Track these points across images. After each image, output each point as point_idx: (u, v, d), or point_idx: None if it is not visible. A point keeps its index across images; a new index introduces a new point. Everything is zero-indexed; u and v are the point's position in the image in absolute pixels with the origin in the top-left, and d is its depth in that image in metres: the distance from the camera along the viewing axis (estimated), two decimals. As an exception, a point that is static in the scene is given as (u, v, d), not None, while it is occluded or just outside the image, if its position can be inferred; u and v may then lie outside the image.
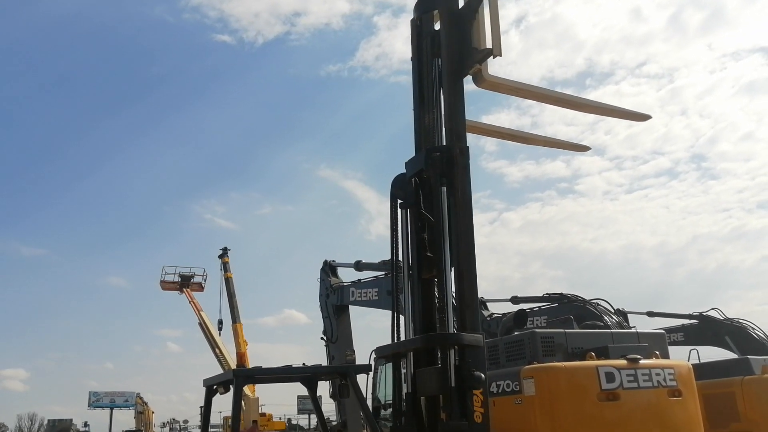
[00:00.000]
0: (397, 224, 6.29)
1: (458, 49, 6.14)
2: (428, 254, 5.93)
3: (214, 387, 5.46)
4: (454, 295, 5.70)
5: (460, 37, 6.17)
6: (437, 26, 6.47)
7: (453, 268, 5.73)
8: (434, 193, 5.89)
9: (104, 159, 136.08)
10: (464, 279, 5.72)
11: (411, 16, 6.72)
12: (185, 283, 36.62)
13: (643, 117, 7.80)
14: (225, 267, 33.53)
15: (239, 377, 5.11)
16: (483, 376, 5.40)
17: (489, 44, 5.97)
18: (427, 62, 6.42)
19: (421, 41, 6.56)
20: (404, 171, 6.36)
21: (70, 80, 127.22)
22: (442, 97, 6.29)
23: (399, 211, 6.30)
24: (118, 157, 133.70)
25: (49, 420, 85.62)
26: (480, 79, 6.14)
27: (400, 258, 6.17)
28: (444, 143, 6.19)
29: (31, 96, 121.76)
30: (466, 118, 6.17)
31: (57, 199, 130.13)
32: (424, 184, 6.05)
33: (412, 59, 6.65)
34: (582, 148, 8.56)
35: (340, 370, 5.80)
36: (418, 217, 6.08)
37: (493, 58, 5.99)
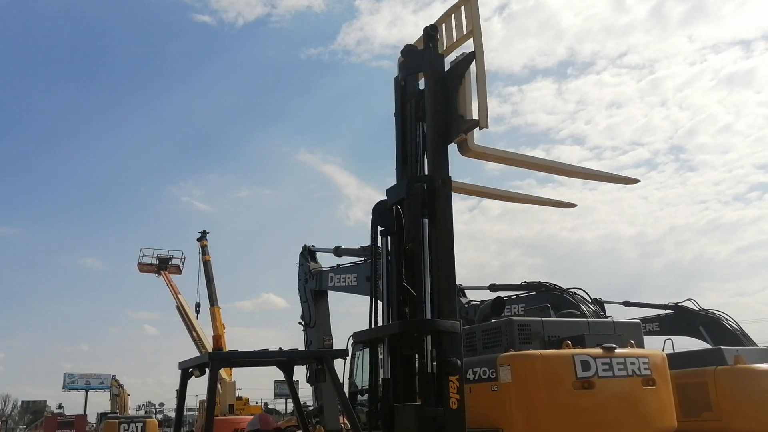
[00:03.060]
0: (377, 250, 6.26)
1: (443, 115, 5.98)
2: (405, 284, 5.89)
3: (190, 370, 5.42)
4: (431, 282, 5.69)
5: (446, 102, 6.00)
6: (422, 85, 6.29)
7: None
8: (415, 224, 5.80)
9: (80, 139, 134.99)
10: (442, 268, 5.69)
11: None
12: (163, 265, 36.40)
13: (631, 181, 7.91)
14: (203, 250, 33.36)
15: (215, 360, 5.08)
16: (459, 362, 5.42)
17: (475, 115, 5.81)
18: (411, 125, 6.24)
19: (405, 102, 6.39)
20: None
21: (46, 56, 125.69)
22: (426, 158, 6.18)
23: (380, 237, 6.26)
24: (95, 137, 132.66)
25: (23, 401, 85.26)
26: (465, 149, 5.99)
27: (379, 285, 6.18)
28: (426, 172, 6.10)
29: (6, 75, 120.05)
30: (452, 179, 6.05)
31: (31, 178, 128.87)
32: (405, 213, 5.96)
33: (395, 115, 6.48)
34: (568, 205, 8.71)
35: (317, 354, 5.79)
36: (398, 246, 6.04)
37: (479, 129, 5.82)
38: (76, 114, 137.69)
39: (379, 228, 6.21)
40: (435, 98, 5.99)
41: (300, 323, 13.96)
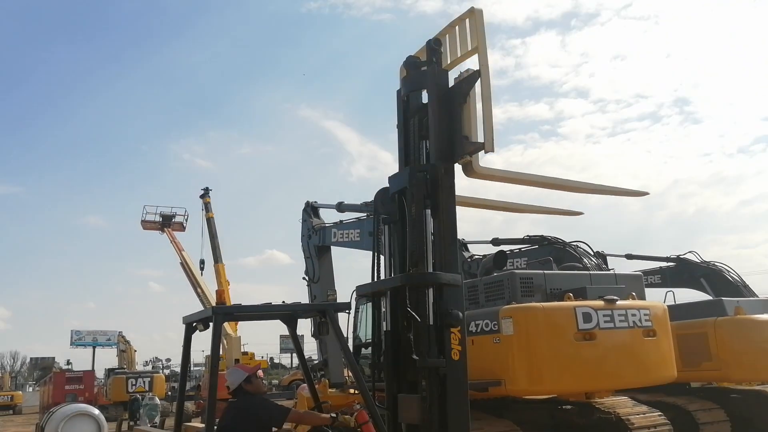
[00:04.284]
0: (380, 249, 6.23)
1: (447, 135, 5.79)
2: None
3: (194, 324, 5.46)
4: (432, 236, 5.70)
5: (450, 121, 5.81)
6: (425, 98, 6.09)
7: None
8: (417, 213, 5.70)
9: (79, 97, 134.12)
10: (443, 222, 5.68)
11: None
12: (166, 222, 36.41)
13: (641, 194, 7.88)
14: (206, 207, 33.36)
15: (219, 314, 5.11)
16: (461, 314, 5.45)
17: (480, 137, 5.63)
18: (415, 144, 6.06)
19: (407, 118, 6.21)
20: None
21: (44, 12, 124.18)
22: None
23: (382, 226, 6.20)
24: (94, 95, 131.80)
25: (31, 358, 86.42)
26: (470, 170, 5.83)
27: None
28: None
29: (5, 32, 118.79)
30: (456, 193, 5.92)
31: (32, 136, 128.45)
32: (407, 202, 5.86)
33: (398, 128, 6.29)
34: (574, 213, 8.73)
35: (320, 308, 5.82)
36: (401, 234, 5.99)
37: (485, 153, 5.65)
38: (75, 71, 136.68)
39: (382, 216, 6.20)
40: (439, 117, 5.80)
41: (304, 278, 14.04)
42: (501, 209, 8.36)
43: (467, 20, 5.88)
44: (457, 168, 5.87)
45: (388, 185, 6.18)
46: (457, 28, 6.04)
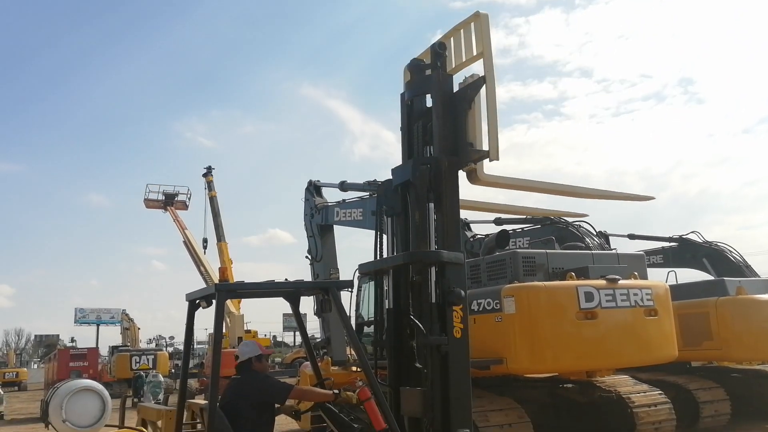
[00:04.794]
0: (382, 228, 6.24)
1: (452, 141, 5.72)
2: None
3: (197, 301, 5.49)
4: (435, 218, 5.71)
5: (455, 127, 5.74)
6: (429, 101, 6.01)
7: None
8: (420, 206, 5.69)
9: (81, 75, 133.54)
10: (446, 216, 5.69)
11: None
12: (169, 201, 36.36)
13: (647, 198, 7.92)
14: (209, 186, 33.30)
15: (222, 291, 5.13)
16: (463, 292, 5.47)
17: (485, 145, 5.57)
18: (419, 148, 6.02)
19: (411, 122, 6.15)
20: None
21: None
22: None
23: (385, 218, 6.21)
24: (97, 73, 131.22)
25: (36, 335, 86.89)
26: (474, 178, 5.79)
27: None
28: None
29: (6, 10, 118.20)
30: (463, 198, 5.88)
31: (34, 115, 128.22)
32: (410, 194, 5.85)
33: (401, 130, 6.25)
34: (579, 216, 8.76)
35: (323, 285, 5.85)
36: (404, 227, 5.98)
37: (489, 161, 5.59)
38: (78, 50, 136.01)
39: (384, 207, 6.19)
40: (443, 123, 5.74)
41: (307, 257, 14.07)
42: (506, 212, 8.43)
43: (472, 24, 5.80)
44: (461, 175, 5.81)
45: (390, 168, 6.16)
46: (462, 31, 5.95)
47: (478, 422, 8.07)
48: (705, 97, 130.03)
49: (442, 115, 5.76)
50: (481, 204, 7.05)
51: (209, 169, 33.80)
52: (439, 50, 5.93)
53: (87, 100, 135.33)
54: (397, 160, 6.18)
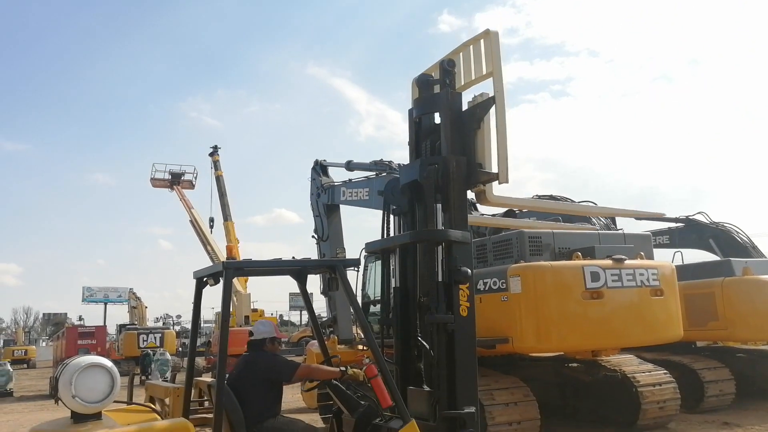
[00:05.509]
0: (389, 227, 6.22)
1: (461, 161, 5.65)
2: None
3: (204, 279, 5.51)
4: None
5: (463, 147, 5.66)
6: (437, 118, 5.94)
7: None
8: (428, 206, 5.64)
9: (86, 54, 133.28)
10: (451, 187, 5.68)
11: None
12: (176, 180, 36.41)
13: (658, 215, 7.93)
14: (215, 165, 33.29)
15: (229, 269, 5.15)
16: (469, 271, 5.48)
17: (494, 167, 5.51)
18: (427, 165, 5.92)
19: (419, 139, 6.08)
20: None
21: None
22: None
23: (392, 217, 6.21)
24: (102, 52, 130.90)
25: (44, 314, 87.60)
26: (483, 199, 5.78)
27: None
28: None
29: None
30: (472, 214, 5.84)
31: (39, 94, 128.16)
32: (418, 194, 5.82)
33: (409, 145, 6.20)
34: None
35: (329, 263, 5.85)
36: (410, 227, 5.97)
37: (499, 184, 5.55)
38: (83, 29, 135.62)
39: (392, 207, 6.18)
40: (452, 143, 5.67)
41: (313, 237, 14.08)
42: (514, 228, 8.43)
43: (482, 41, 5.73)
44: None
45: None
46: (471, 48, 5.88)
47: (484, 401, 8.12)
48: (713, 78, 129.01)
49: (451, 134, 5.70)
50: (492, 221, 6.95)
51: (215, 148, 33.79)
52: (447, 67, 5.87)
53: (93, 79, 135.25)
54: (403, 140, 6.18)
